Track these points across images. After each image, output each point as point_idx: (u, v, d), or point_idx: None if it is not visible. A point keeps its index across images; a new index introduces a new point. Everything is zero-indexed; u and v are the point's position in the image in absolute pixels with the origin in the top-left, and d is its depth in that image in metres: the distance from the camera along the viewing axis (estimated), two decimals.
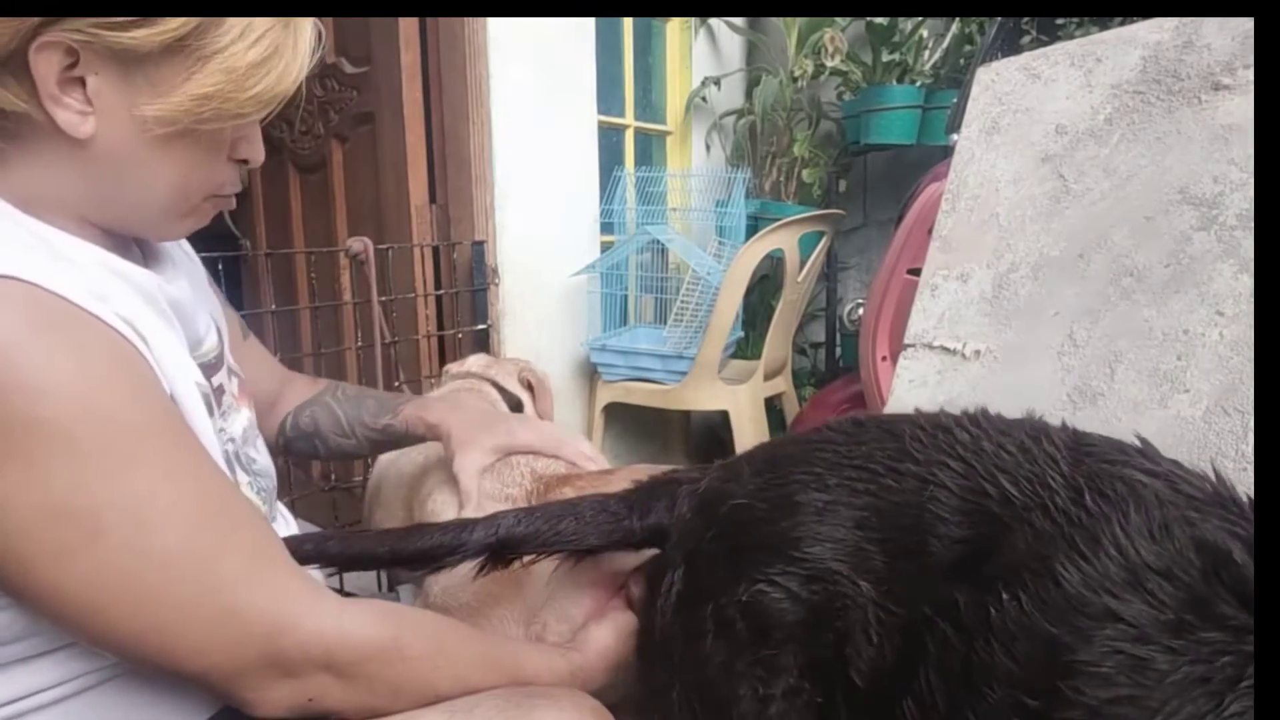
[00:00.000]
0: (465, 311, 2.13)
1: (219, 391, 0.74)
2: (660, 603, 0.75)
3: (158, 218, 0.66)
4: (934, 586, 0.60)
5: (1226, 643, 0.48)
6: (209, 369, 0.73)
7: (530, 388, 1.41)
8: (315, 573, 0.78)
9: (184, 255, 0.82)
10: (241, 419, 0.78)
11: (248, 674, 0.58)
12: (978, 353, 1.00)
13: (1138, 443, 0.63)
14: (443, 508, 1.03)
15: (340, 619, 0.62)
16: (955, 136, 1.25)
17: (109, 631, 0.55)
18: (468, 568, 0.80)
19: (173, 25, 0.56)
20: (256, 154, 0.68)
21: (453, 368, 1.46)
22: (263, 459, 0.81)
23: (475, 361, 1.45)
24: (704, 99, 2.82)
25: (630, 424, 2.61)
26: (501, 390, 1.36)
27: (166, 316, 0.66)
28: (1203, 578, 0.51)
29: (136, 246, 0.72)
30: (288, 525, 0.84)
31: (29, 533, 0.51)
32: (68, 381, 0.52)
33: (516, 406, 1.37)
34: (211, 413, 0.68)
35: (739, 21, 2.88)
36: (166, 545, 0.55)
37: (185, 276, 0.75)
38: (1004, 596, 0.55)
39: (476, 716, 0.64)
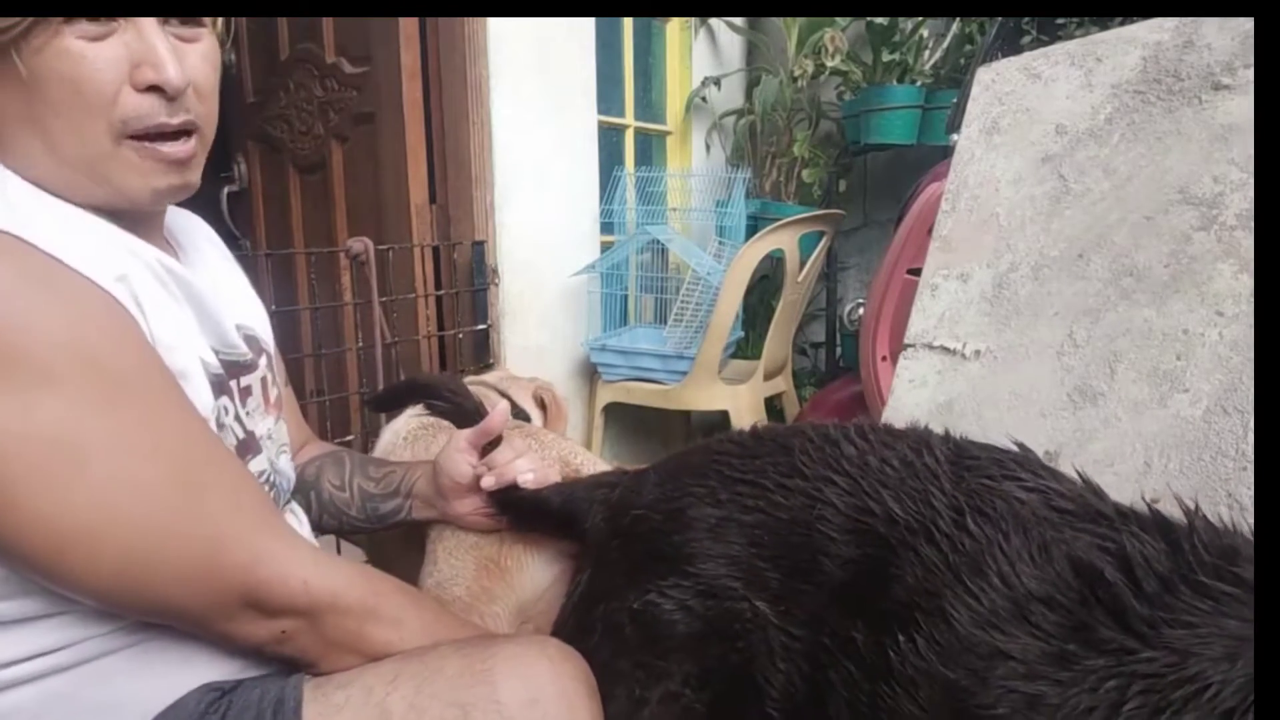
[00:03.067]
0: (465, 312, 2.13)
1: (245, 392, 0.75)
2: (566, 600, 0.81)
3: (91, 167, 0.62)
4: (831, 611, 0.62)
5: (1109, 668, 0.49)
6: (235, 368, 0.74)
7: (543, 406, 1.41)
8: (308, 535, 0.83)
9: (227, 265, 0.85)
10: (266, 424, 0.79)
11: (227, 605, 0.61)
12: (978, 353, 1.00)
13: (1015, 449, 0.65)
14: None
15: (317, 560, 0.65)
16: (955, 136, 1.25)
17: (92, 563, 0.56)
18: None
19: None
20: (163, 73, 0.61)
21: (469, 380, 1.46)
22: (284, 465, 0.83)
23: (494, 376, 1.46)
24: (704, 99, 2.81)
25: (630, 424, 2.61)
26: (512, 404, 1.35)
27: (172, 293, 0.67)
28: (1081, 602, 0.53)
29: (168, 242, 0.74)
30: (301, 524, 0.84)
31: (14, 459, 0.53)
32: (54, 326, 0.55)
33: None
34: (218, 395, 0.70)
35: (739, 21, 2.88)
36: (152, 478, 0.58)
37: (217, 276, 0.77)
38: (900, 639, 0.56)
39: (433, 653, 0.66)
